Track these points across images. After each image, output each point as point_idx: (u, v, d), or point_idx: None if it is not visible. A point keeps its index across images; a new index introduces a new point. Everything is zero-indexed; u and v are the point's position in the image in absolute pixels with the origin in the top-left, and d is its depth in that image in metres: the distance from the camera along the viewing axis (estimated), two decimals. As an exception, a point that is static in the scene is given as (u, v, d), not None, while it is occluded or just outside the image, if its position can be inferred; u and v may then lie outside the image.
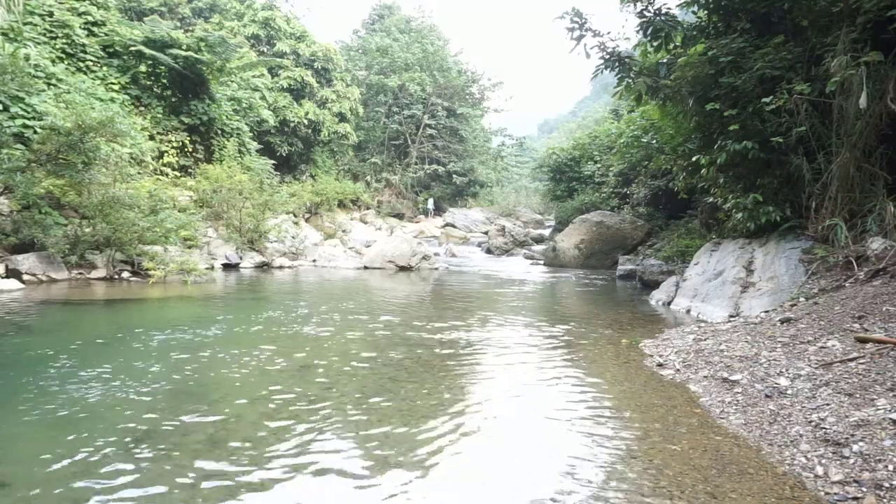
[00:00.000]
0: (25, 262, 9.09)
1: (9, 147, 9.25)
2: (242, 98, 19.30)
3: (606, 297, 9.43)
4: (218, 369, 4.50)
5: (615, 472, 2.76)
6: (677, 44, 8.34)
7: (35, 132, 9.75)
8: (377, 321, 6.76)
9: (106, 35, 14.50)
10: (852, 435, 2.84)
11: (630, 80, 8.25)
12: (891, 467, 2.51)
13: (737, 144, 7.03)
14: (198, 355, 4.87)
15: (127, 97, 14.52)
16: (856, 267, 5.68)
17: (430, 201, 30.87)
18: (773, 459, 2.85)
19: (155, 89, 15.15)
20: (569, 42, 8.21)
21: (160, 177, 14.45)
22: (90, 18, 14.32)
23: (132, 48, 14.48)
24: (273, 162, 19.30)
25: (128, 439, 3.04)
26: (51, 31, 13.30)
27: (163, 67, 15.05)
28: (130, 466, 2.73)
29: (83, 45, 13.90)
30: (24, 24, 12.34)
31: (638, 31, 8.33)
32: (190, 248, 12.02)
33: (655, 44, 8.26)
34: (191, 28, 21.77)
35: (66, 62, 13.33)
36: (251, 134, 18.97)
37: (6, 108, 9.82)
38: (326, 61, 24.80)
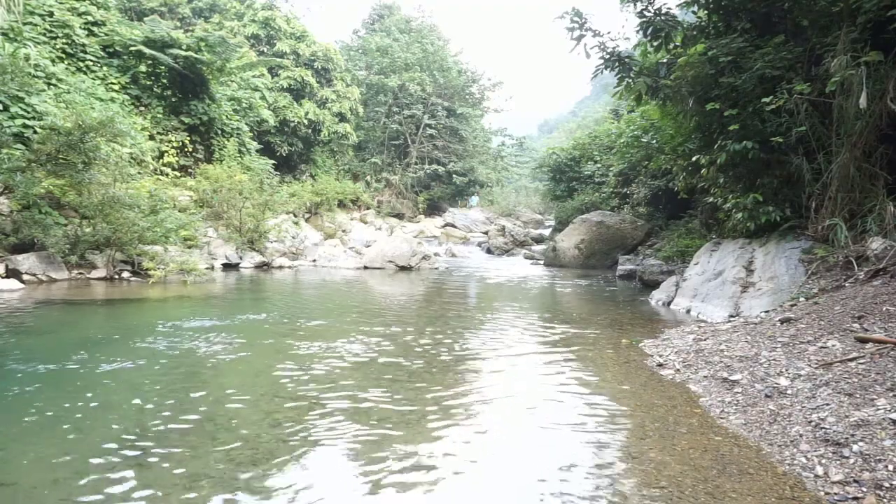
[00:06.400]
0: (25, 261, 9.09)
1: (9, 147, 9.25)
2: (242, 98, 19.31)
3: (606, 297, 9.42)
4: (218, 370, 4.51)
5: (615, 472, 2.76)
6: (677, 44, 8.34)
7: (35, 132, 9.75)
8: (377, 321, 6.76)
9: (106, 35, 14.51)
10: (852, 435, 2.84)
11: (630, 80, 8.25)
12: (891, 467, 2.52)
13: (737, 144, 7.03)
14: (197, 356, 4.88)
15: (127, 97, 14.53)
16: (856, 267, 5.69)
17: (475, 198, 33.76)
18: (773, 459, 2.85)
19: (155, 89, 15.15)
20: (569, 42, 8.23)
21: (160, 177, 14.45)
22: (90, 18, 14.33)
23: (132, 48, 14.50)
24: (273, 162, 19.30)
25: (128, 440, 3.04)
26: (51, 31, 13.30)
27: (163, 67, 15.06)
28: (131, 467, 2.73)
29: (83, 45, 13.91)
30: (24, 24, 12.35)
31: (638, 31, 8.33)
32: (190, 248, 12.01)
33: (655, 44, 8.26)
34: (191, 28, 21.77)
35: (66, 62, 13.34)
36: (251, 134, 18.97)
37: (6, 108, 9.82)
38: (326, 61, 24.80)
